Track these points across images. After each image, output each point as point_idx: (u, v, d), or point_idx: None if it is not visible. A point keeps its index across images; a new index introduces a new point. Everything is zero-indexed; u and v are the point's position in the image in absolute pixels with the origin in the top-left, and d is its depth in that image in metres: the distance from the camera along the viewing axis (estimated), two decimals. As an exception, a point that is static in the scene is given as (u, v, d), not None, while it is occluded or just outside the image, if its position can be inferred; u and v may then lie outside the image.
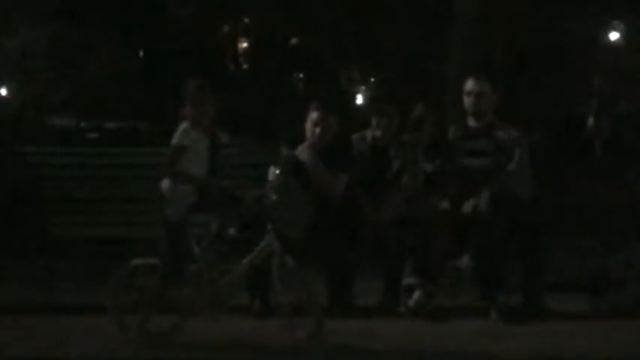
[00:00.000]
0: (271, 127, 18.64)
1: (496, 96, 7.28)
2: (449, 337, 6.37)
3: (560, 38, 17.11)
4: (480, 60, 11.02)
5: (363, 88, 24.98)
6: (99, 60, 19.96)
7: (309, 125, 7.14)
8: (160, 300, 5.95)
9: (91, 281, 7.69)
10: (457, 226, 7.01)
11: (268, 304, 6.80)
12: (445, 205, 7.09)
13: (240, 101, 18.41)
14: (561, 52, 16.89)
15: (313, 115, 7.13)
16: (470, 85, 7.26)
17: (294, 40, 22.81)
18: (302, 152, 7.13)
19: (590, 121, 8.13)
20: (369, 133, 7.54)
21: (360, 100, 25.08)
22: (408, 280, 6.99)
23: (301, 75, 23.96)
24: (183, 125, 6.07)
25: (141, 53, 22.47)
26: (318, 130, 7.10)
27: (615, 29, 19.15)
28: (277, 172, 6.27)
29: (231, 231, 6.26)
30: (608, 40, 19.11)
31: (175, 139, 6.04)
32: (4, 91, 21.67)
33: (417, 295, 6.94)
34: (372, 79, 24.00)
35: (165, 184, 6.05)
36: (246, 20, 23.40)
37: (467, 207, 7.00)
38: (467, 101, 7.27)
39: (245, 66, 23.96)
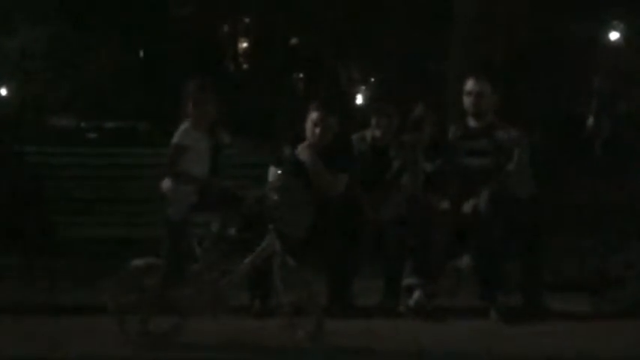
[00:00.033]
0: (271, 127, 18.65)
1: (496, 96, 7.28)
2: (449, 337, 6.37)
3: (560, 38, 17.12)
4: (480, 60, 11.02)
5: (363, 88, 25.01)
6: (99, 60, 19.99)
7: (309, 125, 7.14)
8: (161, 300, 5.94)
9: (91, 281, 7.68)
10: (457, 226, 7.01)
11: (268, 304, 6.80)
12: (445, 205, 7.09)
13: (240, 101, 18.42)
14: (561, 52, 16.89)
15: (313, 115, 7.12)
16: (470, 85, 7.26)
17: (294, 40, 22.84)
18: (302, 152, 7.12)
19: (590, 121, 8.14)
20: (368, 133, 7.54)
21: (360, 100, 25.10)
22: (408, 280, 6.99)
23: (301, 75, 23.99)
24: (185, 125, 6.07)
25: (141, 53, 22.49)
26: (318, 130, 7.10)
27: (615, 29, 19.16)
28: (279, 172, 6.27)
29: (232, 231, 6.25)
30: (608, 40, 19.13)
31: (176, 139, 6.03)
32: (4, 91, 21.70)
33: (417, 295, 6.94)
34: (372, 79, 24.04)
35: (167, 183, 6.05)
36: (246, 20, 23.43)
37: (467, 207, 7.00)
38: (467, 101, 7.27)
39: (245, 66, 23.98)
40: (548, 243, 7.28)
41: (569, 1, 16.77)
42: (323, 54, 22.03)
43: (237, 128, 6.30)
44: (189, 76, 6.25)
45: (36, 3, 19.41)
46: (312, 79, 22.78)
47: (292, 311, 5.96)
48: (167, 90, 15.41)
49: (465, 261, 7.03)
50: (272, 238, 5.94)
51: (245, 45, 24.00)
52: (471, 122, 7.29)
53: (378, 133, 7.48)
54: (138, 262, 6.08)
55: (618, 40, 19.20)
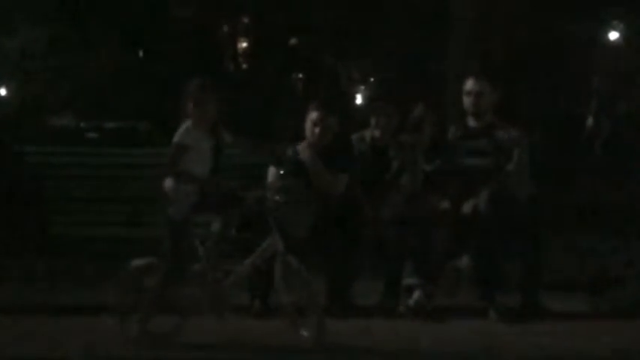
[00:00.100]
0: (271, 127, 18.66)
1: (496, 96, 7.28)
2: (448, 337, 6.37)
3: (560, 38, 17.12)
4: (479, 60, 11.03)
5: (363, 88, 25.01)
6: (99, 60, 19.99)
7: (308, 125, 7.14)
8: (161, 300, 5.94)
9: (91, 281, 7.69)
10: (457, 226, 7.01)
11: (268, 304, 6.80)
12: (445, 205, 7.09)
13: (239, 101, 18.42)
14: (561, 52, 16.90)
15: (313, 115, 7.12)
16: (470, 85, 7.26)
17: (293, 40, 22.83)
18: (302, 152, 7.13)
19: (590, 121, 8.15)
20: (368, 133, 7.55)
21: (359, 100, 25.11)
22: (407, 280, 6.99)
23: (301, 75, 23.98)
24: (186, 124, 6.06)
25: (141, 53, 22.49)
26: (317, 130, 7.10)
27: (615, 29, 19.16)
28: (281, 172, 6.26)
29: (232, 231, 6.25)
30: (608, 40, 19.12)
31: (177, 138, 6.02)
32: (4, 91, 21.71)
33: (416, 295, 6.94)
34: (372, 79, 24.04)
35: (168, 183, 6.04)
36: (246, 20, 23.42)
37: (466, 207, 7.00)
38: (467, 101, 7.27)
39: (245, 66, 23.97)
40: (548, 243, 7.28)
41: (569, 1, 16.77)
42: (323, 54, 22.04)
43: (237, 128, 6.27)
44: (189, 76, 6.25)
45: (36, 3, 19.41)
46: (312, 79, 22.78)
47: (293, 311, 5.96)
48: (167, 90, 15.42)
49: (464, 261, 7.03)
50: (274, 238, 5.94)
51: (245, 45, 23.99)
52: (471, 122, 7.29)
53: (377, 133, 7.48)
54: (138, 262, 6.08)
55: (618, 40, 19.19)
